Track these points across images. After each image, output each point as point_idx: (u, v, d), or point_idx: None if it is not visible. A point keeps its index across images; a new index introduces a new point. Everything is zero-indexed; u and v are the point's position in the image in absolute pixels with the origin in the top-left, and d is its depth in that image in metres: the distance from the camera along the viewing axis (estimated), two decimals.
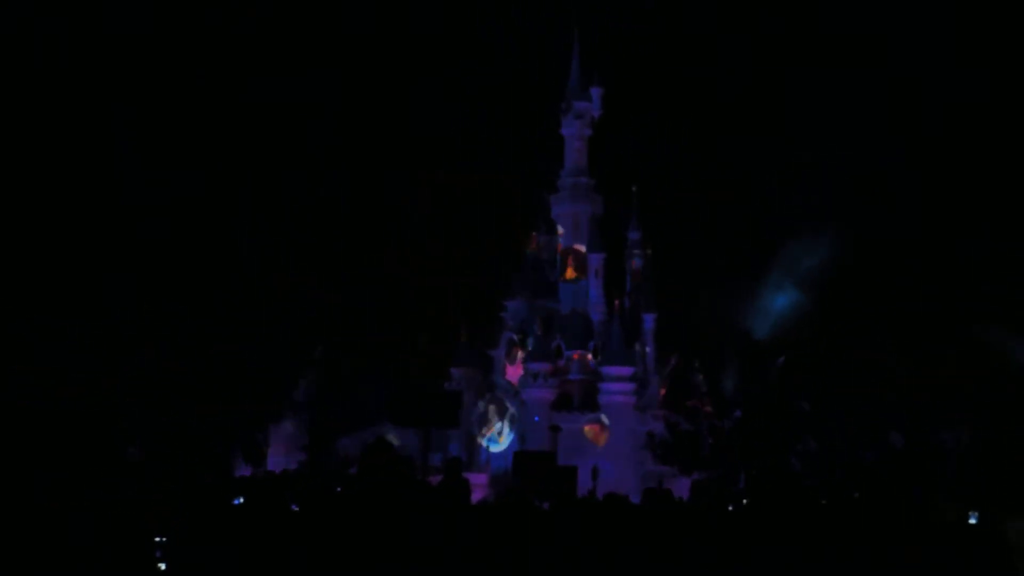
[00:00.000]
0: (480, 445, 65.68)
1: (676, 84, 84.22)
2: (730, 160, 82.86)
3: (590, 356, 67.29)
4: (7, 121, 67.71)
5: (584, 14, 74.57)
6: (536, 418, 64.97)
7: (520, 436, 64.77)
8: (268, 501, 49.47)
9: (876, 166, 76.04)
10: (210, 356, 60.04)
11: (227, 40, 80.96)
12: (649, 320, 70.19)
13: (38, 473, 48.73)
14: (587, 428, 62.88)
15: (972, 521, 49.28)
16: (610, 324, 66.90)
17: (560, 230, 71.51)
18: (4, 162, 66.16)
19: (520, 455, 59.84)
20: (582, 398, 65.73)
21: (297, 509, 49.29)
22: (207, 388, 58.47)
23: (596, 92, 72.25)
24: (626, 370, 65.75)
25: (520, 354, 67.62)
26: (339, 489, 52.68)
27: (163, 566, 47.43)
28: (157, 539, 48.06)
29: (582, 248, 70.24)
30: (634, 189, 73.30)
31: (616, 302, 67.85)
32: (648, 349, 69.36)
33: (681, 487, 57.13)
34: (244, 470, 57.93)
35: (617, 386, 65.24)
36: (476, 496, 55.39)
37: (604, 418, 63.39)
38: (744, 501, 52.24)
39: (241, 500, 50.39)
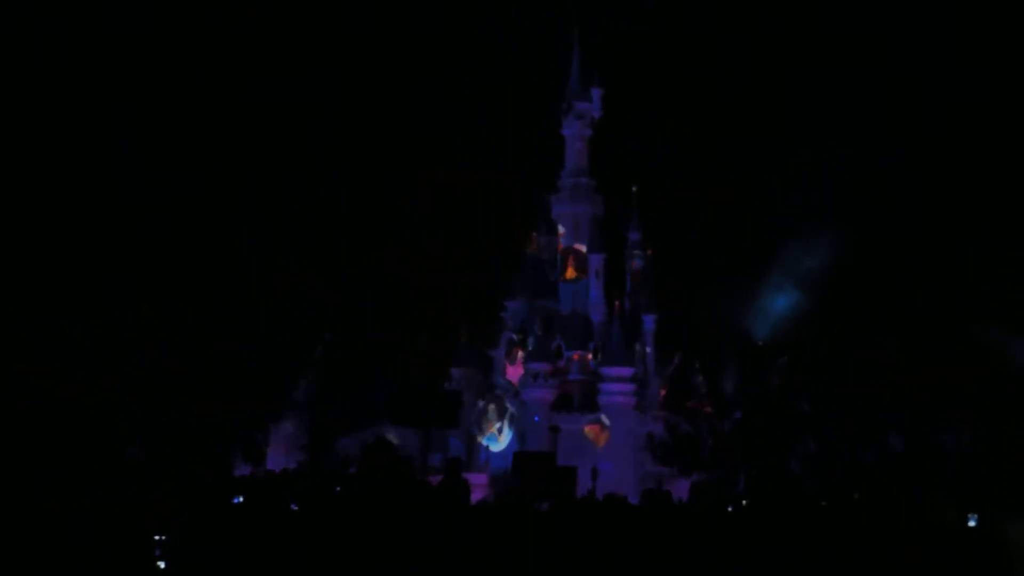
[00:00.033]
0: (480, 445, 65.66)
1: (676, 84, 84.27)
2: (730, 160, 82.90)
3: (590, 357, 67.27)
4: (7, 121, 67.76)
5: (584, 14, 74.68)
6: (536, 418, 64.96)
7: (520, 436, 64.76)
8: (268, 501, 49.52)
9: (876, 166, 76.07)
10: (210, 356, 60.05)
11: (227, 40, 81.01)
12: (649, 321, 70.14)
13: (38, 473, 48.77)
14: (587, 429, 62.80)
15: (972, 524, 49.32)
16: (610, 325, 66.89)
17: (560, 230, 71.48)
18: (4, 162, 66.20)
19: (520, 455, 59.86)
20: (582, 399, 65.70)
21: (297, 509, 49.38)
22: (207, 388, 58.48)
23: (596, 93, 72.27)
24: (626, 371, 65.74)
25: (520, 354, 67.60)
26: (339, 489, 52.74)
27: (162, 565, 47.51)
28: (157, 538, 48.14)
29: (582, 248, 70.22)
30: (634, 189, 73.29)
31: (616, 303, 67.82)
32: (648, 350, 69.31)
33: (681, 488, 57.16)
34: (244, 470, 57.96)
35: (617, 387, 65.21)
36: (476, 496, 55.43)
37: (604, 419, 63.32)
38: (743, 502, 52.27)
39: (241, 499, 50.47)
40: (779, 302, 66.07)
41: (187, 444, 55.94)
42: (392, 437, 60.75)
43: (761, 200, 77.88)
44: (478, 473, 63.41)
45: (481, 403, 66.09)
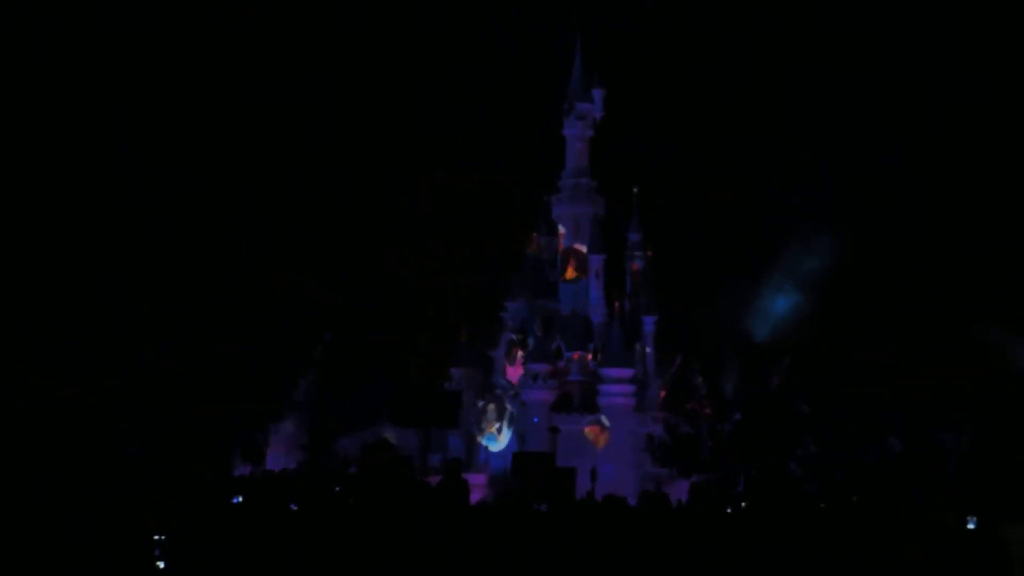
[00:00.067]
0: (479, 445, 65.64)
1: (676, 84, 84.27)
2: (730, 160, 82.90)
3: (590, 357, 67.25)
4: (7, 121, 67.81)
5: (585, 15, 74.70)
6: (536, 419, 64.94)
7: (519, 437, 64.73)
8: (268, 501, 49.54)
9: (876, 166, 76.07)
10: (210, 356, 60.06)
11: (227, 40, 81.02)
12: (649, 322, 70.02)
13: (38, 473, 48.81)
14: (587, 430, 62.74)
15: (970, 526, 49.30)
16: (610, 325, 66.86)
17: (561, 231, 71.45)
18: (4, 162, 66.24)
19: (519, 456, 59.82)
20: (582, 399, 65.66)
21: (297, 509, 49.39)
22: (207, 388, 58.47)
23: (598, 93, 72.23)
24: (626, 372, 65.71)
25: (520, 355, 67.56)
26: (339, 489, 52.75)
27: (162, 565, 47.55)
28: (157, 538, 48.17)
29: (583, 249, 70.19)
30: (635, 190, 73.22)
31: (616, 303, 67.77)
32: (648, 351, 69.21)
33: (680, 489, 57.11)
34: (244, 470, 57.96)
35: (617, 388, 65.17)
36: (475, 496, 55.45)
37: (604, 420, 63.27)
38: (743, 504, 52.24)
39: (241, 499, 50.49)
40: (779, 303, 66.04)
41: (187, 444, 55.94)
42: (392, 437, 60.78)
43: (761, 200, 77.91)
44: (477, 473, 63.39)
45: (481, 403, 66.04)
